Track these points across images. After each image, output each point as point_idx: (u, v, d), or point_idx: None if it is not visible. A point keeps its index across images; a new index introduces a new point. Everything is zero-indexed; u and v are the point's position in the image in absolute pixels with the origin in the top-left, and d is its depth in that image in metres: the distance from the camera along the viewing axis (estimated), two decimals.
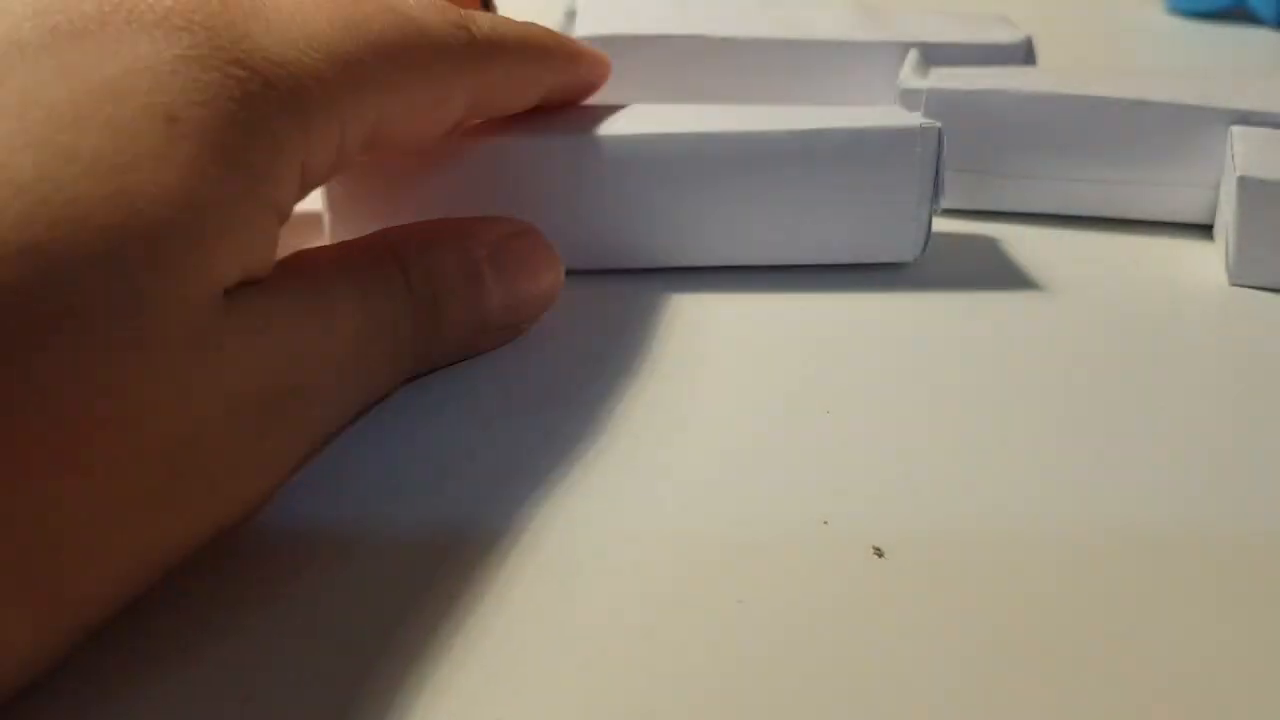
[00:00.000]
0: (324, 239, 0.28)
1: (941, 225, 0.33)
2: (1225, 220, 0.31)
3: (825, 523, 0.20)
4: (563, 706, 0.17)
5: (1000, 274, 0.30)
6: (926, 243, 0.29)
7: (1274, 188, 0.29)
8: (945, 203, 0.34)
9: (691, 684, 0.17)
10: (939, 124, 0.28)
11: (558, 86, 0.28)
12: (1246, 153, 0.30)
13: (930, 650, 0.18)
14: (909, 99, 0.33)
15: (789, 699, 0.17)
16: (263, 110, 0.18)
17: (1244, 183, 0.29)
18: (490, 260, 0.24)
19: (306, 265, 0.21)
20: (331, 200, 0.28)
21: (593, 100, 0.30)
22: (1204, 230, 0.33)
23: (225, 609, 0.18)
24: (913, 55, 0.35)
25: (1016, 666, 0.17)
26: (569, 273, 0.27)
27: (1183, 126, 0.32)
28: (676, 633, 0.18)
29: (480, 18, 0.24)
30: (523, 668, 0.17)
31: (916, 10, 0.40)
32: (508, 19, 0.25)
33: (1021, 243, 0.32)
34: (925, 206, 0.29)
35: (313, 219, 0.28)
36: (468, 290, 0.24)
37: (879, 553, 0.20)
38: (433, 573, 0.19)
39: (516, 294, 0.25)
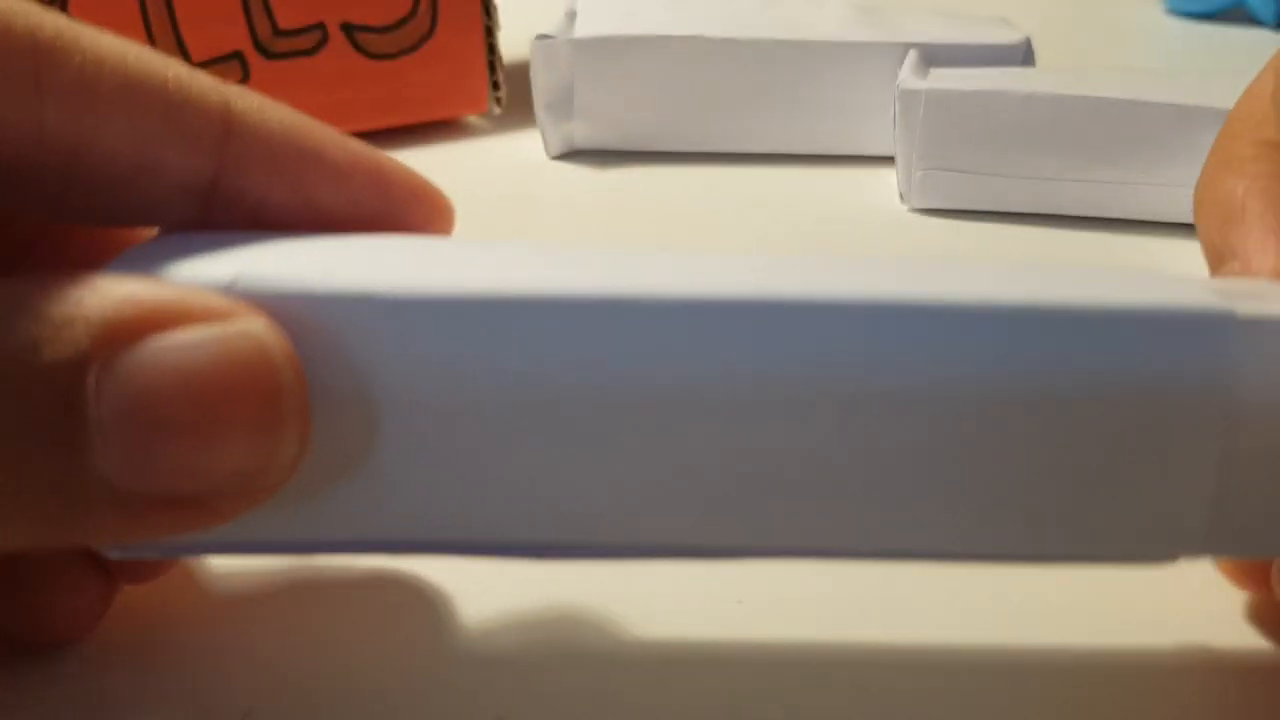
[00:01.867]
0: None
1: (941, 226, 0.33)
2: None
3: None
4: (564, 706, 0.17)
5: None
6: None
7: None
8: (944, 203, 0.34)
9: (692, 684, 0.17)
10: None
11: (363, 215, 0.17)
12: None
13: (933, 649, 0.18)
14: (908, 99, 0.33)
15: (789, 699, 0.17)
16: None
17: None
18: (107, 386, 0.13)
19: None
20: None
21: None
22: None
23: None
24: (912, 56, 0.35)
25: (1019, 667, 0.17)
26: None
27: (1182, 127, 0.32)
28: (676, 633, 0.18)
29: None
30: (520, 668, 0.17)
31: (916, 10, 0.40)
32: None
33: (1019, 243, 0.32)
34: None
35: None
36: (13, 445, 0.13)
37: None
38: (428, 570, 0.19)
39: (161, 464, 0.13)
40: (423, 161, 0.39)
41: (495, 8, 0.40)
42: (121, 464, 0.13)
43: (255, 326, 0.14)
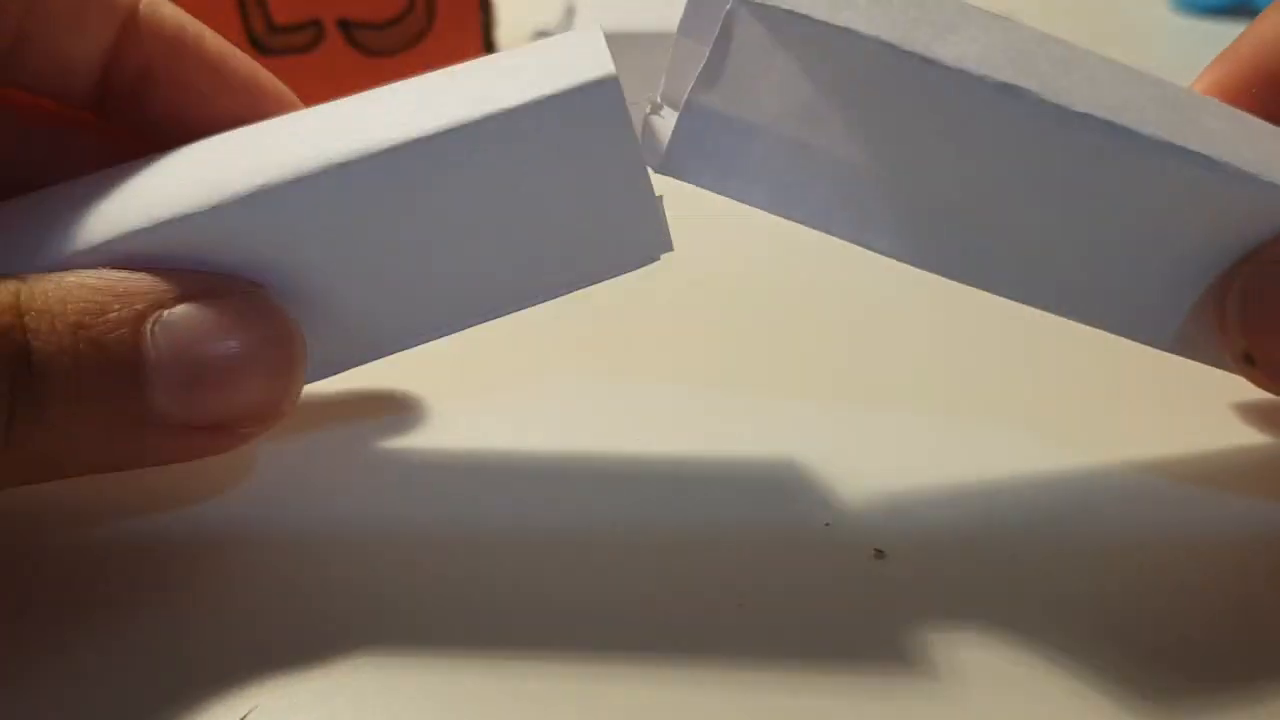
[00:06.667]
0: None
1: None
2: None
3: (827, 525, 0.20)
4: (560, 707, 0.16)
5: None
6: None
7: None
8: None
9: (692, 686, 0.17)
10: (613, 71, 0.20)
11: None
12: None
13: (930, 653, 0.17)
14: None
15: (789, 701, 0.16)
16: None
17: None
18: (160, 336, 0.17)
19: None
20: None
21: None
22: None
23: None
24: None
25: (1016, 667, 0.17)
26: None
27: None
28: (677, 635, 0.18)
29: None
30: (516, 667, 0.17)
31: None
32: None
33: None
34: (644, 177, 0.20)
35: None
36: (99, 377, 0.17)
37: (880, 554, 0.19)
38: (432, 566, 0.19)
39: (201, 399, 0.17)
40: None
41: (492, 4, 0.39)
42: (171, 399, 0.17)
43: (270, 298, 0.18)
